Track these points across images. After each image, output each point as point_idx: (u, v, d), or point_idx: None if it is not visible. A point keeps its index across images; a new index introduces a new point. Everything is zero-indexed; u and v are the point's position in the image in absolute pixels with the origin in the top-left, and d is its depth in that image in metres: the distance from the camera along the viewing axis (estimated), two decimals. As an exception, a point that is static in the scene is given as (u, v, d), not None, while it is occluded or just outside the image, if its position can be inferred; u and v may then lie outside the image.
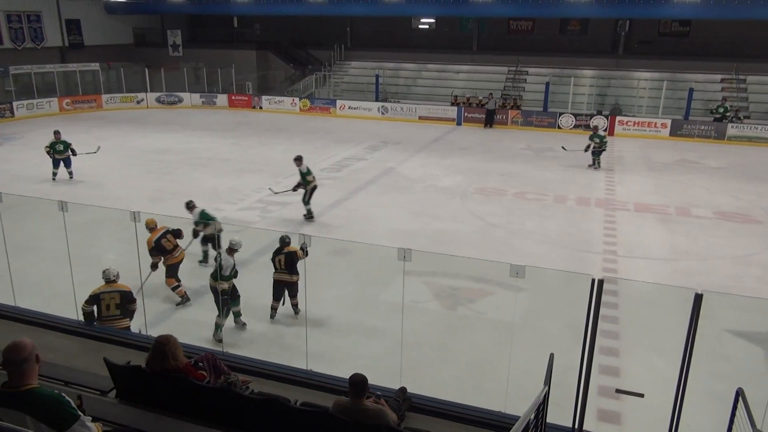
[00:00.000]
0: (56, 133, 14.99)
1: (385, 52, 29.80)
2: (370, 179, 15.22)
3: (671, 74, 24.73)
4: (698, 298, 3.88)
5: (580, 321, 4.61)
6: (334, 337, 7.49)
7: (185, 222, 9.94)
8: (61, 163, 14.75)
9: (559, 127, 22.72)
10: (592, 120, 22.13)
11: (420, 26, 30.91)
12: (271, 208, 12.69)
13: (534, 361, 5.70)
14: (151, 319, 7.12)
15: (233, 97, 27.43)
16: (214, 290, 7.37)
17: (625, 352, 7.22)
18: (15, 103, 23.78)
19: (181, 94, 27.47)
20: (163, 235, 8.27)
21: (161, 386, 3.77)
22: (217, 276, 7.24)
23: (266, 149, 18.78)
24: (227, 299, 7.32)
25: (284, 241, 7.80)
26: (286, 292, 7.79)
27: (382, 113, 24.96)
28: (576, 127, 22.48)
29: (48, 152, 14.65)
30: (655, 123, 21.85)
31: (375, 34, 30.69)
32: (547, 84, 24.28)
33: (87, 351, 5.57)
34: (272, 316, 7.86)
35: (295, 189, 11.88)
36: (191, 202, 9.58)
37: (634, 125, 22.09)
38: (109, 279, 6.67)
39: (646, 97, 23.77)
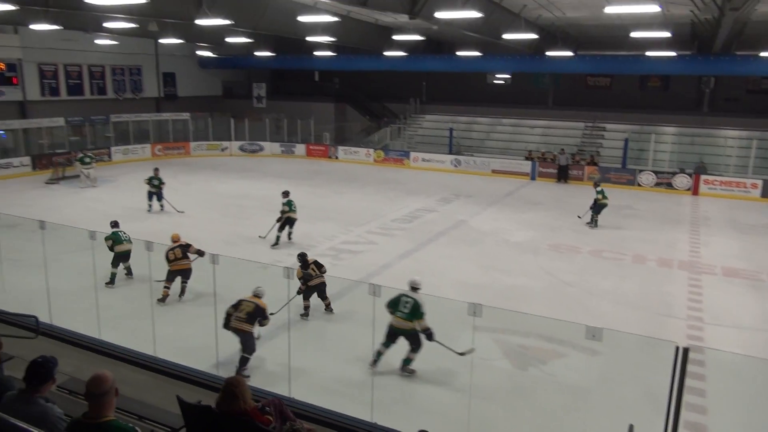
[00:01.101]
0: (155, 170, 17.20)
1: (460, 106, 30.19)
2: (441, 231, 15.18)
3: (761, 132, 23.53)
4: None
5: (661, 391, 4.32)
6: (399, 389, 7.36)
7: (255, 267, 10.25)
8: (155, 197, 16.76)
9: (638, 185, 21.98)
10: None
11: (495, 81, 31.19)
12: (342, 255, 12.86)
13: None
14: (223, 359, 7.27)
15: (311, 147, 28.44)
16: (391, 328, 7.52)
17: (713, 428, 6.66)
18: (113, 148, 25.73)
19: (263, 143, 28.79)
20: (173, 248, 9.70)
21: (229, 428, 3.81)
22: (396, 310, 7.46)
23: (339, 198, 19.20)
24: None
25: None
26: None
27: (455, 166, 25.08)
28: (657, 185, 21.66)
29: (146, 183, 16.79)
30: (745, 183, 20.73)
31: (450, 89, 31.22)
32: (626, 140, 23.70)
33: (160, 386, 5.74)
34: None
35: (278, 221, 13.49)
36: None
37: (720, 184, 21.04)
38: (256, 294, 7.68)
39: (734, 156, 22.66)
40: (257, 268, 10.93)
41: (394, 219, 16.28)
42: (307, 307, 9.31)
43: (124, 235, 10.70)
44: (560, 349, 8.39)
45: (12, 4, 12.04)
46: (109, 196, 19.01)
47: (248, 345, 7.38)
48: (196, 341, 7.78)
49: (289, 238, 13.78)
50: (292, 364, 6.83)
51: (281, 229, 13.53)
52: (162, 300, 9.48)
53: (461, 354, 6.97)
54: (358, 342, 7.96)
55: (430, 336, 7.36)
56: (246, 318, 7.37)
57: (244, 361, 7.35)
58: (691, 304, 10.49)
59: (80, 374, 5.36)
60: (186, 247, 9.85)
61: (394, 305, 7.49)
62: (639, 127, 25.54)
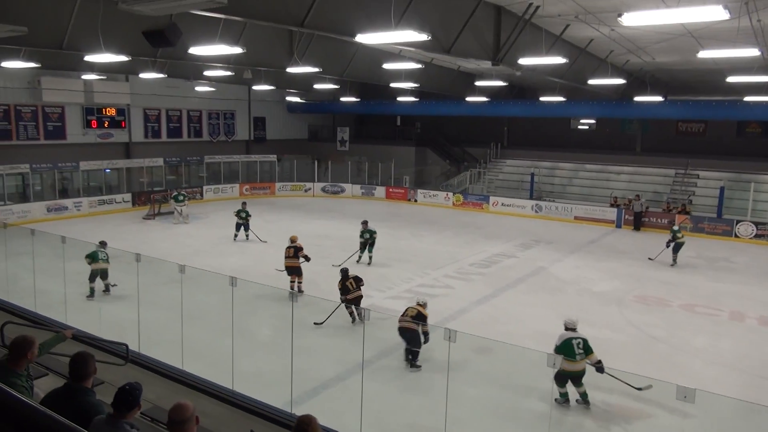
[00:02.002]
0: (243, 203, 19.35)
1: (542, 150, 29.76)
2: (520, 277, 14.81)
3: None
4: None
5: (764, 463, 3.95)
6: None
7: (334, 306, 10.39)
8: (242, 227, 18.44)
9: (736, 236, 20.58)
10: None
11: (579, 127, 30.60)
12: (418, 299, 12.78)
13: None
14: (297, 396, 7.36)
15: (390, 190, 28.85)
16: (563, 374, 7.55)
17: None
18: (205, 187, 27.29)
19: (344, 185, 29.55)
20: (289, 247, 12.85)
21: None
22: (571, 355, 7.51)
23: (417, 240, 19.24)
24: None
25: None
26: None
27: (536, 211, 24.57)
28: (757, 236, 20.19)
29: (235, 214, 18.63)
30: None
31: (532, 133, 30.92)
32: (722, 188, 22.38)
33: (236, 420, 5.87)
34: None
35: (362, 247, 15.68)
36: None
37: (831, 238, 19.33)
38: (419, 303, 9.38)
39: None
40: (333, 306, 11.09)
41: (472, 263, 16.08)
42: (351, 314, 10.70)
43: (103, 255, 11.98)
44: (647, 409, 7.86)
45: (126, 55, 13.25)
46: (199, 231, 20.03)
47: (415, 341, 9.03)
48: (273, 377, 7.94)
49: (370, 261, 15.61)
50: (364, 405, 6.80)
51: (362, 250, 15.71)
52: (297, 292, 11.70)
53: (639, 389, 7.21)
54: (432, 388, 7.83)
55: (601, 368, 7.38)
56: (411, 320, 9.07)
57: (415, 354, 8.97)
58: (798, 369, 9.56)
59: (162, 403, 5.60)
60: (298, 249, 12.76)
61: (568, 351, 7.48)
62: (736, 174, 24.09)
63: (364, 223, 15.91)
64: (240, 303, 9.45)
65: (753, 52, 12.04)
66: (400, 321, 9.07)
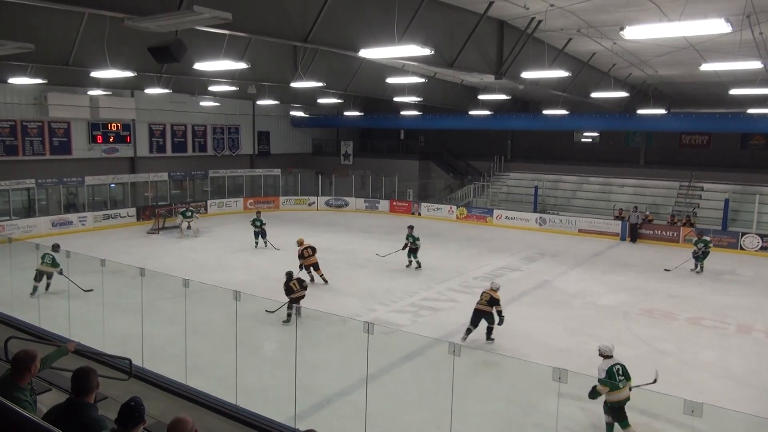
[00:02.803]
0: (258, 213, 20.47)
1: (545, 164, 29.79)
2: (524, 291, 14.75)
3: None
4: None
5: (774, 479, 3.89)
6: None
7: (336, 320, 10.34)
8: (259, 236, 19.59)
9: (741, 249, 20.47)
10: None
11: (582, 140, 30.63)
12: (422, 312, 12.74)
13: None
14: (300, 411, 7.31)
15: (394, 203, 28.87)
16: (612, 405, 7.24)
17: None
18: (209, 202, 27.36)
19: (348, 199, 29.59)
20: (305, 248, 14.67)
21: (303, 483, 3.80)
22: (616, 384, 7.16)
23: (422, 254, 19.16)
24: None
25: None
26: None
27: (540, 224, 24.53)
28: (763, 249, 20.08)
29: (251, 224, 19.84)
30: None
31: (535, 147, 30.98)
32: (726, 201, 22.30)
33: (240, 436, 5.83)
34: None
35: (403, 248, 16.81)
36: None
37: (838, 250, 19.20)
38: (492, 288, 11.01)
39: None
40: (337, 321, 11.05)
41: (476, 277, 16.02)
42: (289, 315, 11.15)
43: (48, 258, 12.63)
44: (655, 424, 7.77)
45: (132, 71, 13.39)
46: (204, 246, 20.05)
47: (490, 319, 10.76)
48: (277, 392, 7.89)
49: (418, 266, 16.72)
50: (368, 420, 6.75)
51: (409, 256, 16.77)
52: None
53: (653, 382, 7.54)
54: (437, 403, 7.75)
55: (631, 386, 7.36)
56: (486, 303, 10.77)
57: (490, 330, 10.83)
58: (807, 383, 9.46)
59: (166, 418, 5.56)
60: (314, 248, 14.87)
61: (612, 378, 7.14)
62: (741, 187, 24.03)
63: (410, 227, 17.08)
64: (244, 318, 9.43)
65: (755, 64, 12.07)
66: (476, 305, 10.89)
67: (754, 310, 13.49)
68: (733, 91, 15.87)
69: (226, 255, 18.30)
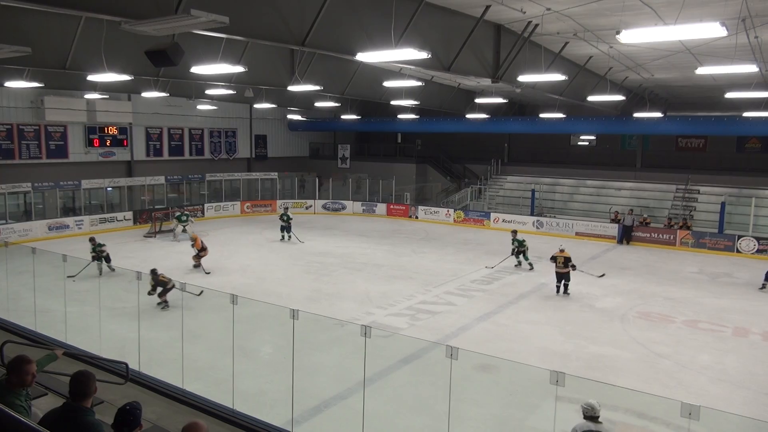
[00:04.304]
0: (286, 208, 22.25)
1: (542, 167, 29.85)
2: (522, 294, 14.75)
3: None
4: None
5: (771, 482, 3.89)
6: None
7: (333, 323, 10.34)
8: (285, 230, 20.98)
9: (738, 251, 20.52)
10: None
11: (579, 143, 30.71)
12: (420, 315, 12.74)
13: None
14: (297, 416, 7.29)
15: (391, 206, 28.87)
16: None
17: None
18: (206, 205, 27.33)
19: (345, 202, 29.59)
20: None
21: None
22: None
23: (419, 257, 19.20)
24: None
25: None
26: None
27: (537, 227, 24.56)
28: (759, 252, 20.14)
29: (279, 218, 21.32)
30: None
31: (532, 150, 31.03)
32: (723, 204, 22.37)
33: (237, 440, 5.81)
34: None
35: (512, 253, 17.63)
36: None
37: (834, 253, 19.26)
38: (562, 249, 14.25)
39: None
40: (335, 324, 11.05)
41: (474, 280, 16.03)
42: (165, 301, 12.32)
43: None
44: (652, 426, 7.77)
45: (129, 74, 13.38)
46: (200, 250, 19.98)
47: (568, 278, 14.24)
48: (274, 396, 7.88)
49: (530, 266, 17.38)
50: (366, 424, 6.74)
51: (517, 256, 17.54)
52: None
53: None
54: (434, 406, 7.75)
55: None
56: (563, 266, 14.22)
57: (567, 286, 14.38)
58: (803, 385, 9.48)
59: (163, 422, 5.55)
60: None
61: None
62: (737, 190, 24.11)
63: (513, 232, 18.03)
64: (241, 321, 9.42)
65: (751, 68, 12.12)
66: (556, 268, 14.34)
67: (750, 312, 13.51)
68: (729, 95, 15.92)
69: (223, 259, 18.28)
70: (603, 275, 16.05)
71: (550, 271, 17.47)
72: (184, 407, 6.67)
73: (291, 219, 21.30)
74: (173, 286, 12.57)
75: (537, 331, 11.89)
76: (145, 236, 22.27)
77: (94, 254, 15.67)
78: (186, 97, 24.16)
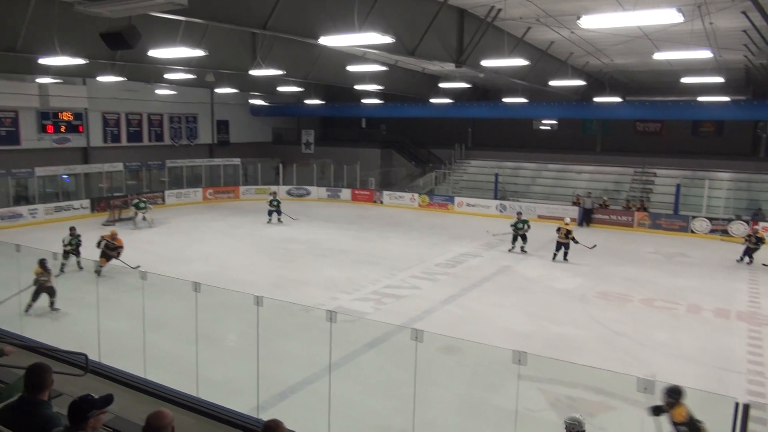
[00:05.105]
0: (273, 193, 23.30)
1: (505, 151, 30.18)
2: (486, 277, 14.98)
3: (824, 179, 22.55)
4: None
5: (721, 451, 4.08)
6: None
7: (299, 309, 10.31)
8: (274, 213, 22.03)
9: (692, 232, 21.24)
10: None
11: (541, 127, 31.14)
12: (385, 300, 12.81)
13: (665, 493, 5.05)
14: (263, 402, 7.27)
15: (356, 192, 28.83)
16: None
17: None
18: (167, 192, 26.75)
19: (309, 188, 29.41)
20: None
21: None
22: None
23: (384, 242, 19.26)
24: None
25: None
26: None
27: (500, 211, 24.89)
28: (712, 232, 20.88)
29: (268, 203, 22.34)
30: (807, 231, 19.75)
31: (495, 135, 31.33)
32: (678, 186, 23.06)
33: (202, 428, 5.77)
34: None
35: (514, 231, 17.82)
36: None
37: (781, 233, 20.09)
38: (566, 221, 16.12)
39: (795, 202, 21.78)
40: (300, 310, 11.02)
41: (438, 264, 16.19)
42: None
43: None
44: (610, 401, 8.03)
45: (83, 58, 12.90)
46: (162, 238, 19.64)
47: (568, 247, 16.39)
48: (239, 383, 7.83)
49: (524, 250, 17.55)
50: (332, 408, 6.77)
51: (514, 240, 17.66)
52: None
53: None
54: (400, 389, 7.83)
55: None
56: (566, 237, 16.37)
57: (566, 255, 16.51)
58: (751, 358, 9.92)
59: (125, 413, 5.46)
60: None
61: None
62: (691, 172, 24.90)
63: (518, 214, 18.29)
64: (205, 309, 9.30)
65: (705, 54, 12.47)
66: (558, 239, 16.53)
67: (703, 290, 14.04)
68: (685, 80, 16.37)
69: (185, 246, 17.99)
70: (594, 246, 17.20)
71: (507, 256, 17.83)
72: (147, 397, 6.57)
73: (280, 203, 22.31)
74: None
75: (500, 312, 12.11)
76: (103, 224, 21.68)
77: (70, 247, 14.56)
78: (144, 82, 23.49)
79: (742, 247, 17.04)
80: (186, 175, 28.69)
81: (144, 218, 21.13)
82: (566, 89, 22.27)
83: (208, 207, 26.53)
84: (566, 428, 5.63)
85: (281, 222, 22.00)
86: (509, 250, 17.62)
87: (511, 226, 17.72)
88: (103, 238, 14.65)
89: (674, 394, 6.17)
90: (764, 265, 16.33)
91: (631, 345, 10.48)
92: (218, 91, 26.58)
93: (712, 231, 20.93)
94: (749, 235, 17.05)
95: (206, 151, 31.49)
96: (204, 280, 7.85)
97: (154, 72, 20.39)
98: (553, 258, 16.56)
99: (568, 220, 17.01)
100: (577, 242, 16.51)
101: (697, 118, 25.88)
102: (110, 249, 14.43)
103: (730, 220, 20.96)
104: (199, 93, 29.56)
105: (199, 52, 12.70)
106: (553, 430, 7.65)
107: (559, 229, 16.64)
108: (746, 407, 3.75)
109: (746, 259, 16.79)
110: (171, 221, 22.51)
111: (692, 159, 25.57)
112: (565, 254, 16.51)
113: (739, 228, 20.42)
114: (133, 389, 6.71)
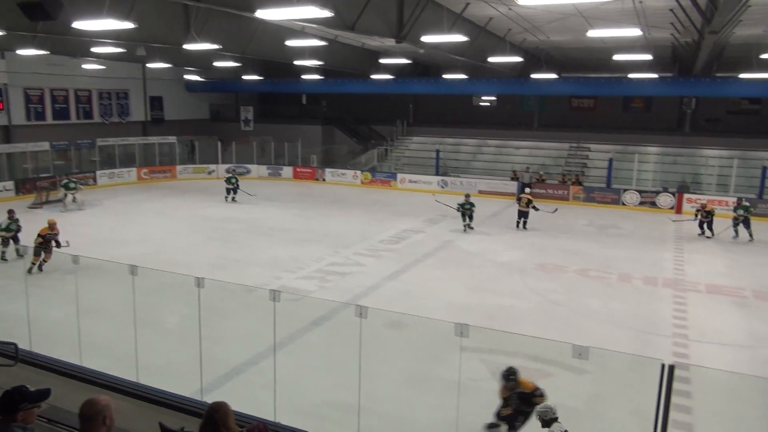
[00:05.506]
0: (233, 170, 23.76)
1: (446, 128, 30.49)
2: (428, 252, 15.19)
3: (742, 152, 23.96)
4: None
5: (649, 409, 4.33)
6: (387, 414, 7.29)
7: (241, 289, 10.18)
8: (231, 191, 21.84)
9: (623, 204, 22.21)
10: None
11: (481, 104, 31.57)
12: (329, 278, 12.81)
13: (598, 452, 5.33)
14: (207, 384, 7.17)
15: (298, 170, 28.49)
16: None
17: (700, 447, 6.66)
18: (98, 172, 25.56)
19: (250, 166, 28.79)
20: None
21: (212, 454, 3.74)
22: None
23: (327, 220, 19.19)
24: None
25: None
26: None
27: (442, 187, 25.21)
28: (641, 204, 21.90)
29: (224, 181, 22.24)
30: (727, 201, 20.99)
31: (437, 111, 31.55)
32: (610, 160, 24.00)
33: (143, 413, 5.64)
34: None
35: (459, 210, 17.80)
36: None
37: (703, 203, 21.30)
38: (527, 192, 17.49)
39: (716, 174, 23.05)
40: (243, 290, 10.87)
41: (382, 240, 16.29)
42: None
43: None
44: (547, 368, 8.36)
45: (1, 29, 12.05)
46: (95, 220, 18.85)
47: (527, 215, 17.58)
48: (182, 367, 7.68)
49: (470, 227, 17.63)
50: (278, 387, 6.75)
51: (463, 218, 17.59)
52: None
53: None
54: (346, 365, 7.89)
55: None
56: (526, 206, 17.47)
57: (525, 224, 17.81)
58: (676, 322, 10.55)
59: (60, 402, 5.26)
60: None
61: None
62: (623, 147, 25.93)
63: (467, 196, 18.26)
64: (143, 293, 9.03)
65: (635, 31, 12.89)
66: (519, 208, 17.79)
67: (633, 260, 14.75)
68: (616, 57, 16.92)
69: (120, 228, 17.34)
70: (556, 210, 18.91)
71: (449, 231, 18.17)
72: (83, 384, 6.35)
73: (237, 180, 22.13)
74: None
75: (443, 286, 12.34)
76: (30, 207, 20.58)
77: (9, 234, 13.63)
78: (70, 56, 22.25)
79: (727, 223, 17.18)
80: (119, 155, 27.48)
81: (74, 199, 20.18)
82: (505, 66, 22.60)
83: (144, 187, 25.60)
84: (538, 416, 5.88)
85: (235, 201, 21.80)
86: (464, 230, 17.53)
87: (459, 204, 17.79)
88: (40, 235, 13.08)
89: (511, 376, 6.65)
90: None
91: (567, 314, 10.92)
92: (150, 66, 25.50)
93: (642, 203, 21.95)
94: (698, 210, 17.60)
95: (140, 129, 30.26)
96: (141, 263, 7.61)
97: (81, 45, 19.31)
98: (516, 226, 17.84)
99: (528, 190, 19.27)
100: (537, 209, 17.65)
101: (627, 94, 26.89)
102: (48, 242, 13.05)
103: (657, 193, 22.02)
104: (130, 68, 28.26)
105: (128, 25, 12.07)
106: (493, 397, 7.93)
107: (519, 199, 18.03)
108: (671, 368, 3.99)
109: (707, 232, 17.26)
110: (104, 202, 21.60)
111: (623, 134, 26.62)
112: (525, 223, 17.69)
113: (666, 200, 21.49)
114: (69, 377, 6.46)
